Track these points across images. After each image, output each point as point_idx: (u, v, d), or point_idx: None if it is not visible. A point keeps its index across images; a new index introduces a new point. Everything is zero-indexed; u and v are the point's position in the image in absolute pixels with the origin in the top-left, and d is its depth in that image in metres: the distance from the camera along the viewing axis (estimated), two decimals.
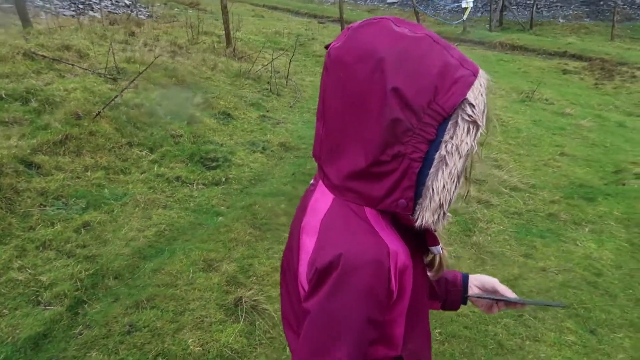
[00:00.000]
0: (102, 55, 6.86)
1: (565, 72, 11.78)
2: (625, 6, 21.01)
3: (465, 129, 0.76)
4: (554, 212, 4.47)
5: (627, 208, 4.62)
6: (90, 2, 13.66)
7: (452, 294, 1.17)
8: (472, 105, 0.76)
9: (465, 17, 16.37)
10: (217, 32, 11.27)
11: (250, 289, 2.96)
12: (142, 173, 4.37)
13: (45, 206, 3.60)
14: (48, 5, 12.24)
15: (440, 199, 0.78)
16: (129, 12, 13.69)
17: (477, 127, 0.77)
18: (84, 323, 2.64)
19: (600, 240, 4.06)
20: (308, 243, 0.86)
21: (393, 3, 26.67)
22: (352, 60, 0.79)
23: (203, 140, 5.23)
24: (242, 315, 2.73)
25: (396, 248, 0.82)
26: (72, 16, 11.46)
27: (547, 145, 6.32)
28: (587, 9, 21.94)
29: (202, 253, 3.25)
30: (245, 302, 2.78)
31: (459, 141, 0.76)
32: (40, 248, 3.16)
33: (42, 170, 3.98)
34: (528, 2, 22.24)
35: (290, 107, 7.40)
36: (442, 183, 0.77)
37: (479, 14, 22.14)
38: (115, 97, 4.91)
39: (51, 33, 7.66)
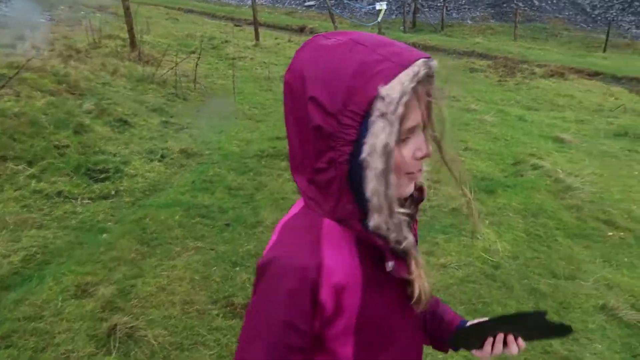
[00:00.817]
0: None
1: (472, 70, 12.30)
2: (526, 8, 22.49)
3: (380, 125, 0.74)
4: (456, 207, 4.52)
5: (524, 198, 4.78)
6: None
7: (444, 333, 1.11)
8: (382, 99, 0.73)
9: (379, 19, 16.69)
10: (122, 36, 10.64)
11: (129, 314, 2.67)
12: (16, 190, 3.90)
13: None
14: None
15: (377, 201, 0.76)
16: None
17: (389, 120, 0.73)
18: None
19: (499, 232, 4.14)
20: (270, 241, 0.90)
21: (311, 6, 26.81)
22: (289, 80, 0.82)
23: (93, 150, 4.80)
24: (114, 346, 2.43)
25: (335, 265, 0.81)
26: None
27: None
28: (493, 11, 23.26)
29: (75, 277, 2.91)
30: (119, 330, 2.49)
31: (375, 139, 0.74)
32: None
33: None
34: (439, 4, 23.20)
35: (197, 111, 7.06)
36: (371, 184, 0.76)
37: (393, 16, 22.77)
38: None
39: None
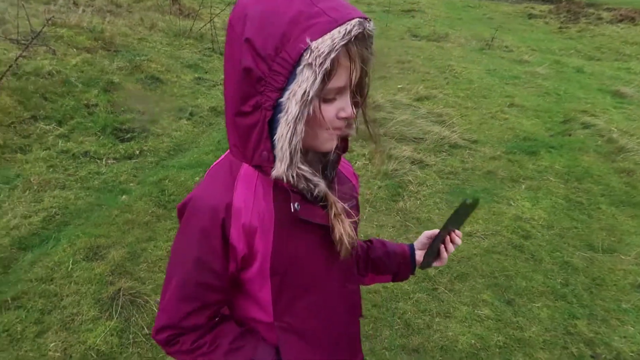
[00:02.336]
0: (23, 19, 6.27)
1: (530, 16, 11.34)
2: None
3: (305, 75, 0.74)
4: (492, 170, 4.23)
5: (569, 161, 4.40)
6: None
7: (403, 267, 1.21)
8: (311, 50, 0.73)
9: None
10: None
11: (136, 279, 2.69)
12: (44, 150, 3.98)
13: None
14: None
15: (282, 147, 0.78)
16: None
17: (314, 72, 0.74)
18: None
19: (535, 198, 3.84)
20: None
21: None
22: (232, 19, 0.80)
23: (122, 109, 4.82)
24: (116, 311, 2.46)
25: (244, 206, 0.84)
26: None
27: (498, 96, 6.01)
28: None
29: (89, 240, 2.95)
30: (123, 294, 2.51)
31: (297, 87, 0.75)
32: None
33: None
34: None
35: None
36: (279, 129, 0.77)
37: None
38: (10, 66, 4.44)
39: None
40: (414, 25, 10.28)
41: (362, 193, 3.74)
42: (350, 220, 0.92)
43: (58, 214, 3.25)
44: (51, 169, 3.76)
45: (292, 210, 0.85)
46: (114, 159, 4.08)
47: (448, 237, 1.13)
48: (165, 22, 8.14)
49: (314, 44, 0.73)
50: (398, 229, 3.40)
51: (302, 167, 0.82)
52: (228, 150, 0.92)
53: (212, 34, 7.63)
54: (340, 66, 0.76)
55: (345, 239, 0.89)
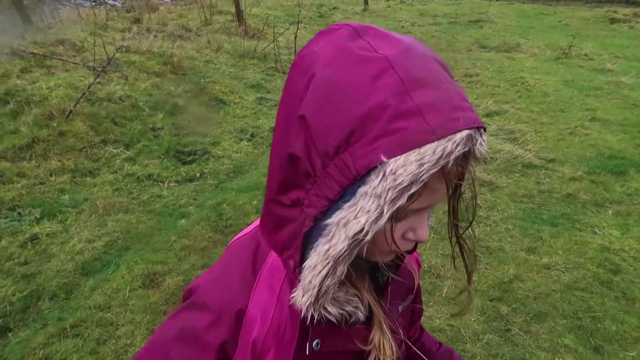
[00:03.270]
0: (99, 47, 6.65)
1: (613, 21, 10.53)
2: None
3: (368, 204, 0.53)
4: (572, 193, 3.84)
5: None
6: None
7: None
8: (385, 177, 0.51)
9: None
10: (232, 10, 10.86)
11: None
12: (112, 173, 4.11)
13: None
14: None
15: (311, 281, 0.59)
16: None
17: (380, 206, 0.52)
18: (1, 356, 2.40)
19: (625, 226, 3.42)
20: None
21: None
22: (296, 72, 0.60)
23: (186, 131, 4.91)
24: None
25: (259, 315, 0.67)
26: (92, 6, 11.38)
27: (577, 109, 5.54)
28: None
29: (146, 266, 2.95)
30: None
31: (352, 215, 0.54)
32: None
33: (3, 179, 3.79)
34: None
35: None
36: (314, 258, 0.58)
37: None
38: (83, 94, 4.66)
39: (49, 28, 7.53)
40: (482, 36, 9.85)
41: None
42: (395, 335, 0.75)
43: (120, 239, 3.29)
44: (116, 193, 3.86)
45: (307, 352, 0.67)
46: (176, 181, 4.13)
47: None
48: (230, 44, 8.34)
49: (391, 166, 0.50)
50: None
51: (331, 308, 0.64)
52: (258, 221, 0.75)
53: (275, 54, 7.70)
54: (426, 189, 0.54)
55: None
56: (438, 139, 0.50)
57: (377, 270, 0.74)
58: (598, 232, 3.36)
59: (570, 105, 5.65)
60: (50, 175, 3.95)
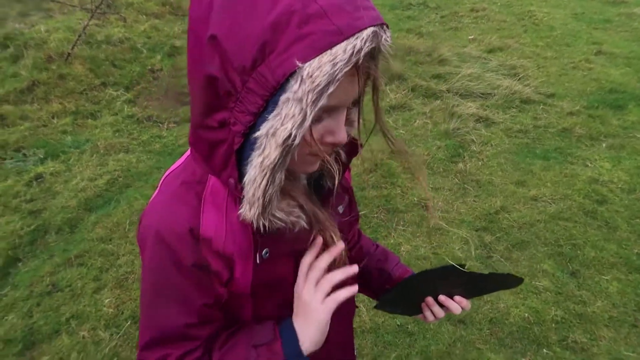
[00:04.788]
0: None
1: None
2: None
3: (290, 110, 0.56)
4: (568, 127, 3.83)
5: None
6: None
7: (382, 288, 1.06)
8: (302, 80, 0.54)
9: None
10: None
11: None
12: (112, 115, 4.18)
13: (3, 160, 3.54)
14: None
15: (254, 194, 0.62)
16: None
17: (303, 109, 0.55)
18: (12, 284, 2.59)
19: (617, 158, 3.44)
20: (152, 196, 0.79)
21: None
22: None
23: (182, 73, 4.92)
24: None
25: (212, 235, 0.70)
26: None
27: (583, 43, 5.39)
28: None
29: (146, 202, 3.07)
30: None
31: (279, 124, 0.56)
32: None
33: (7, 122, 3.90)
34: None
35: None
36: (252, 172, 0.61)
37: None
38: (79, 35, 4.65)
39: None
40: None
41: (420, 154, 3.56)
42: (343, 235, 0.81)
43: (120, 177, 3.41)
44: (117, 134, 3.95)
45: (258, 261, 0.73)
46: (175, 122, 4.20)
47: (443, 297, 0.95)
48: None
49: (307, 69, 0.53)
50: (455, 192, 3.21)
51: (278, 214, 0.67)
52: (188, 152, 0.78)
53: None
54: (339, 87, 0.56)
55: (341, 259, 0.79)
56: (346, 38, 0.53)
57: (318, 185, 0.81)
58: (589, 164, 3.39)
59: (577, 39, 5.50)
60: (52, 117, 4.04)
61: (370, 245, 1.11)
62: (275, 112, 0.56)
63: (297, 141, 0.57)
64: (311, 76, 0.53)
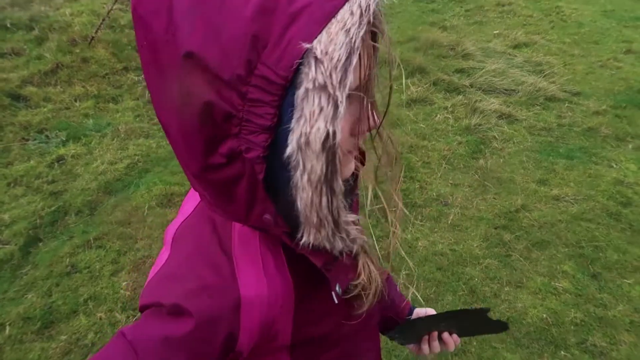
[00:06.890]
0: None
1: None
2: None
3: (316, 104, 0.44)
4: (593, 126, 3.75)
5: None
6: None
7: (390, 323, 1.00)
8: (318, 62, 0.43)
9: None
10: None
11: None
12: (133, 100, 4.21)
13: (27, 140, 3.59)
14: None
15: (318, 214, 0.51)
16: None
17: (331, 95, 0.44)
18: (32, 263, 2.63)
19: None
20: (162, 256, 0.64)
21: None
22: (145, 12, 0.47)
23: None
24: None
25: (254, 294, 0.57)
26: None
27: (612, 41, 5.26)
28: None
29: (164, 187, 3.09)
30: None
31: (308, 126, 0.45)
32: (12, 184, 3.16)
33: (30, 103, 3.95)
34: None
35: None
36: (304, 195, 0.49)
37: None
38: (103, 20, 4.67)
39: None
40: None
41: (440, 149, 3.51)
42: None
43: (140, 162, 3.44)
44: (138, 118, 3.97)
45: (336, 301, 0.64)
46: None
47: (442, 334, 0.95)
48: None
49: (318, 47, 0.44)
50: (475, 188, 3.16)
51: (352, 230, 0.57)
52: (191, 196, 0.68)
53: None
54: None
55: (372, 299, 0.69)
56: (345, 0, 0.45)
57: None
58: (614, 165, 3.31)
59: (606, 37, 5.36)
60: (75, 100, 4.07)
61: None
62: (297, 115, 0.45)
63: (338, 137, 0.46)
64: (327, 53, 0.43)
